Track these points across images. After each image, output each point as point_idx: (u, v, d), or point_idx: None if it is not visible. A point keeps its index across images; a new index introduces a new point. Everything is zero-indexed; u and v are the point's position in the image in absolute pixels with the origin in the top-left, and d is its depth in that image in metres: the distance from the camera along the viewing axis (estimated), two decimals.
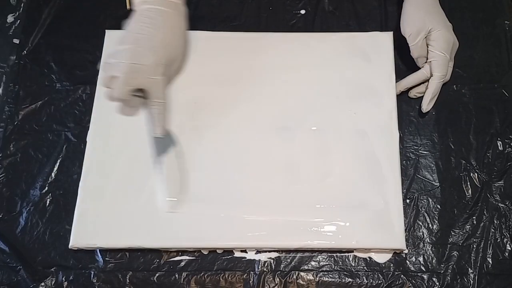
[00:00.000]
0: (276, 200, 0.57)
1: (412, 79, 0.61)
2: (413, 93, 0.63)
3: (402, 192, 0.58)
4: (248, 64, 0.62)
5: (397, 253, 0.57)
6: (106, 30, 0.64)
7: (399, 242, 0.55)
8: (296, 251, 0.57)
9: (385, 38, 0.64)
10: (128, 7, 0.68)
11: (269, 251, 0.57)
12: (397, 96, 0.62)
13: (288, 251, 0.57)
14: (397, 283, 0.56)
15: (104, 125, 0.60)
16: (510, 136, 0.61)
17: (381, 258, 0.57)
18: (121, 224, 0.56)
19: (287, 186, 0.57)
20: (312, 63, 0.63)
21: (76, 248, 0.56)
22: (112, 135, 0.59)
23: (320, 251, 0.57)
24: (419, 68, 0.61)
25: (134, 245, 0.55)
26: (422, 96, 0.61)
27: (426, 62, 0.61)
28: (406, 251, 0.56)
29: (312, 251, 0.57)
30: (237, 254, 0.57)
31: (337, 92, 0.61)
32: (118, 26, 0.67)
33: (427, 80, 0.60)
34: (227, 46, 0.63)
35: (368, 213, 0.56)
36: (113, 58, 0.52)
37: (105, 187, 0.57)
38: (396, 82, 0.61)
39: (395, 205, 0.56)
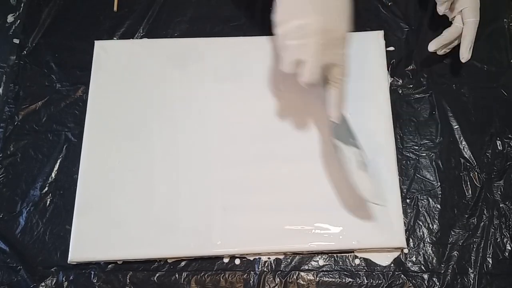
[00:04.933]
0: (275, 203, 0.56)
1: (447, 35, 0.60)
2: (442, 50, 0.62)
3: (402, 192, 0.58)
4: (240, 69, 0.63)
5: (397, 254, 0.57)
6: (95, 41, 0.64)
7: (399, 240, 0.55)
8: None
9: (376, 37, 0.64)
10: (115, 9, 0.68)
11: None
12: (397, 96, 0.63)
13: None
14: (397, 283, 0.56)
15: (98, 133, 0.60)
16: (510, 136, 0.62)
17: (383, 261, 0.57)
18: (120, 236, 0.56)
19: (285, 189, 0.57)
20: None
21: (75, 263, 0.56)
22: (107, 146, 0.59)
23: (321, 253, 0.57)
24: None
25: (134, 256, 0.56)
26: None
27: (454, 15, 0.60)
28: (407, 251, 0.56)
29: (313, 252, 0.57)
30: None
31: None
32: (118, 26, 0.68)
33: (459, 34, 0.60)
34: (214, 50, 0.64)
35: (367, 213, 0.56)
36: (294, 38, 0.47)
37: (101, 200, 0.57)
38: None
39: (394, 204, 0.56)
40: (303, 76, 0.49)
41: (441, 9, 0.61)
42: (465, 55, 0.60)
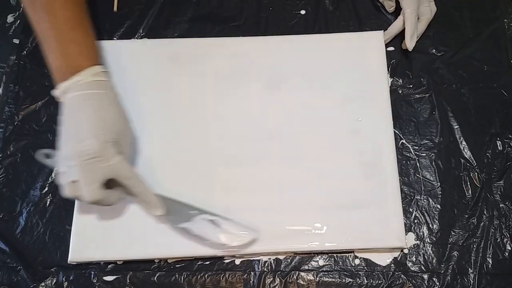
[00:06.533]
0: (274, 204, 0.56)
1: (392, 27, 0.64)
2: (411, 42, 0.63)
3: (402, 192, 0.58)
4: (240, 69, 0.62)
5: (397, 254, 0.57)
6: (96, 41, 0.64)
7: (399, 240, 0.55)
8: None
9: (376, 37, 0.64)
10: (115, 9, 0.68)
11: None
12: (397, 96, 0.63)
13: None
14: (397, 283, 0.56)
15: None
16: (510, 136, 0.62)
17: (383, 261, 0.57)
18: (120, 236, 0.56)
19: (285, 190, 0.57)
20: (304, 66, 0.62)
21: (75, 263, 0.56)
22: None
23: (321, 253, 0.57)
24: None
25: (134, 256, 0.56)
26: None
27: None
28: (407, 251, 0.56)
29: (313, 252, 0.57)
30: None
31: (330, 93, 0.61)
32: (118, 26, 0.68)
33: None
34: (220, 50, 0.64)
35: (367, 213, 0.56)
36: (61, 164, 0.50)
37: None
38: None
39: (394, 204, 0.56)
40: None
41: (387, 6, 0.66)
42: (407, 44, 0.62)
